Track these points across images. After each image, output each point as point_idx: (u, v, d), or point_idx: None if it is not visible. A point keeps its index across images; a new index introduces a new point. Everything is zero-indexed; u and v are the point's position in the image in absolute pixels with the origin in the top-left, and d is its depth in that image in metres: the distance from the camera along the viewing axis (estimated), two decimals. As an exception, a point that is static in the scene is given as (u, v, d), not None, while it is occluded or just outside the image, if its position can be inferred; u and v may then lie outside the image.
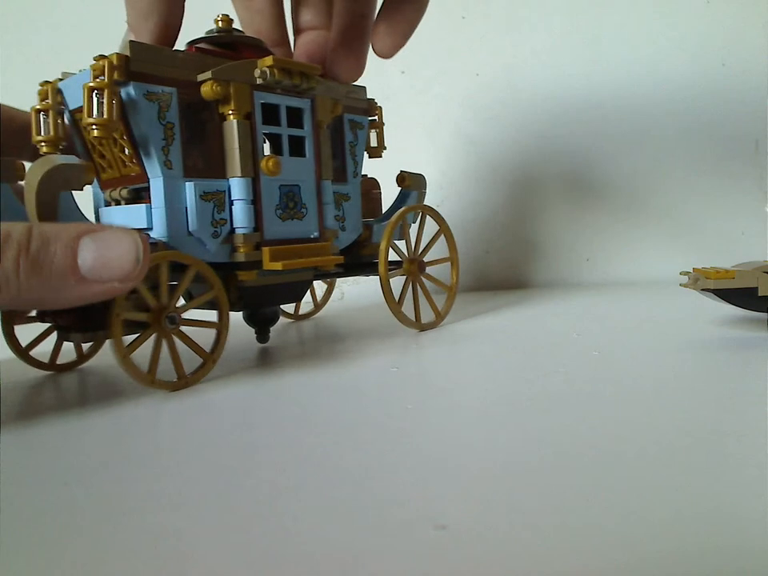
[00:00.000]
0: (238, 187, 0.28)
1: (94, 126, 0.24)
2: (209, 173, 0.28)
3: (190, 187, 0.27)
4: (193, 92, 0.27)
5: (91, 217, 0.29)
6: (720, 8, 0.55)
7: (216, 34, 0.30)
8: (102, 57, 0.24)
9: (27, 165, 0.26)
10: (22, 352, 0.30)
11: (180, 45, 0.29)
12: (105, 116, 0.24)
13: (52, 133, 0.27)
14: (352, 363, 0.29)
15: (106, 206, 0.29)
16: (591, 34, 0.56)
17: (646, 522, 0.12)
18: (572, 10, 0.56)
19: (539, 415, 0.20)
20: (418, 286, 0.37)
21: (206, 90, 0.27)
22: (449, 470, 0.16)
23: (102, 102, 0.24)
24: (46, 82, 0.27)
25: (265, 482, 0.16)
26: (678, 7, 0.55)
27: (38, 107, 0.27)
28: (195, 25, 0.32)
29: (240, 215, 0.28)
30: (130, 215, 0.27)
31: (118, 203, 0.28)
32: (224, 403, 0.24)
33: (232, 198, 0.29)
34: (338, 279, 0.46)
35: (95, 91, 0.23)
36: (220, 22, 0.31)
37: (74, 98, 0.27)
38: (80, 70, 0.28)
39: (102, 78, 0.24)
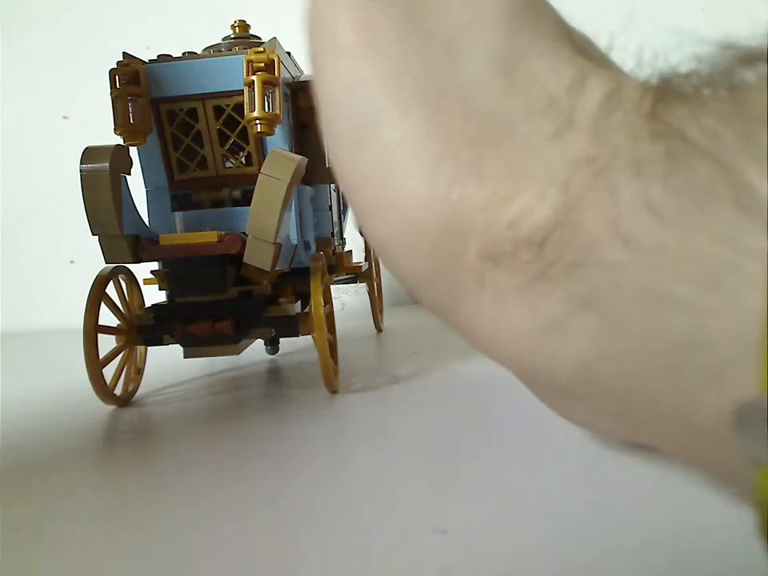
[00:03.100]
0: (326, 194, 0.29)
1: (258, 121, 0.22)
2: (304, 179, 0.27)
3: (304, 192, 0.27)
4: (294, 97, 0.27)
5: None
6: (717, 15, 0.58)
7: (234, 40, 0.30)
8: (258, 51, 0.23)
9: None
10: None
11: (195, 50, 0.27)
12: (275, 111, 0.22)
13: (146, 121, 0.23)
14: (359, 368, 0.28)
15: (180, 209, 0.26)
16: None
17: (644, 522, 0.13)
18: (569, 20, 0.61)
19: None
20: None
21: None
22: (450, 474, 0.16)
23: (268, 96, 0.22)
24: (129, 63, 0.23)
25: (270, 485, 0.16)
26: (674, 15, 0.64)
27: (126, 92, 0.23)
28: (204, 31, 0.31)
29: (328, 220, 0.29)
30: (232, 218, 0.25)
31: (215, 204, 0.25)
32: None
33: (320, 205, 0.29)
34: (334, 290, 0.45)
35: (266, 85, 0.22)
36: (237, 28, 0.30)
37: (177, 85, 0.24)
38: (161, 55, 0.25)
39: (261, 72, 0.22)
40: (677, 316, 0.08)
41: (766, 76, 0.08)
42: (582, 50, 0.12)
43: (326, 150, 0.14)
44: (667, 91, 0.10)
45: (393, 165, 0.12)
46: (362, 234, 0.14)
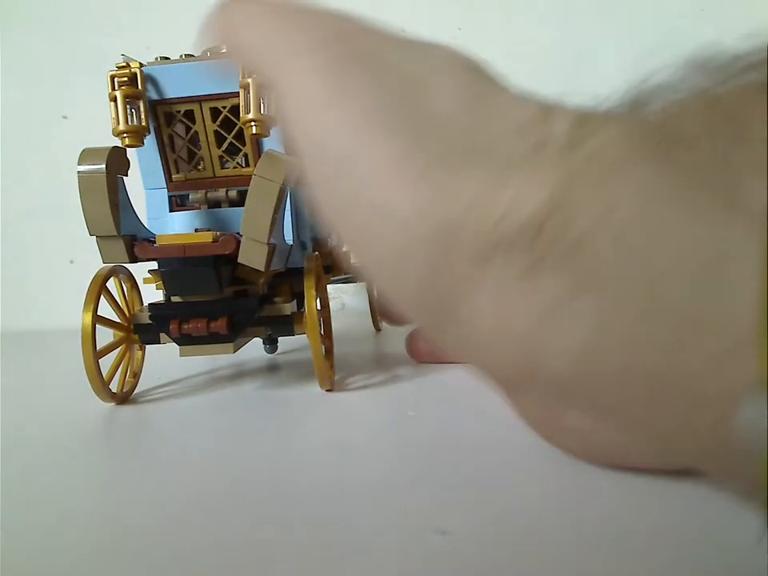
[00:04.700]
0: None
1: (253, 123, 0.22)
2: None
3: (302, 191, 0.27)
4: None
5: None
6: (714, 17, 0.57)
7: None
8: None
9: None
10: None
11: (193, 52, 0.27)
12: (270, 113, 0.23)
13: (144, 123, 0.24)
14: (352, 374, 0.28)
15: (178, 207, 0.26)
16: (588, 45, 0.56)
17: (646, 523, 0.13)
18: (569, 22, 0.59)
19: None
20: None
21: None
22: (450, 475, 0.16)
23: (263, 98, 0.23)
24: (127, 65, 0.24)
25: (265, 487, 0.16)
26: (673, 18, 0.58)
27: (124, 93, 0.23)
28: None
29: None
30: (229, 219, 0.25)
31: (213, 205, 0.26)
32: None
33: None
34: (333, 290, 0.46)
35: (261, 88, 0.22)
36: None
37: (174, 88, 0.24)
38: (158, 58, 0.25)
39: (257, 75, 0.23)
40: (680, 293, 0.08)
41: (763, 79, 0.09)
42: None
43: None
44: (657, 92, 0.10)
45: (377, 187, 0.12)
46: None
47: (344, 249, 0.15)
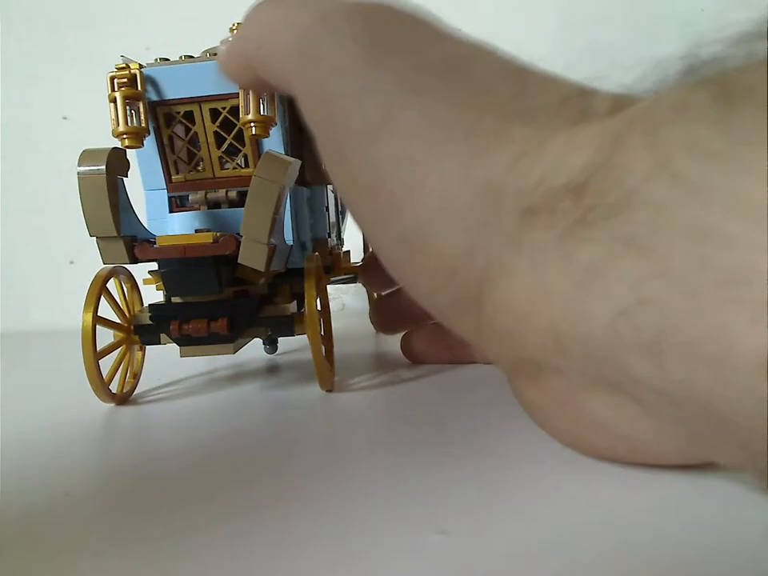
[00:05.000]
0: (323, 195, 0.29)
1: (253, 124, 0.22)
2: (301, 180, 0.28)
3: (301, 193, 0.27)
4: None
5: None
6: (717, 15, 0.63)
7: None
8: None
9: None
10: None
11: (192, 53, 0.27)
12: (269, 114, 0.23)
13: (144, 124, 0.24)
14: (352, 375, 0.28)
15: (177, 208, 0.26)
16: (589, 45, 0.55)
17: (647, 523, 0.13)
18: (569, 20, 0.59)
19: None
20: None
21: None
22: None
23: (263, 99, 0.23)
24: (127, 66, 0.24)
25: (264, 487, 0.16)
26: (674, 18, 0.62)
27: (123, 94, 0.23)
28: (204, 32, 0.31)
29: (325, 221, 0.29)
30: (229, 219, 0.25)
31: (213, 206, 0.26)
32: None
33: (317, 206, 0.29)
34: (333, 290, 0.46)
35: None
36: (236, 31, 0.30)
37: (174, 89, 0.24)
38: (158, 59, 0.25)
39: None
40: (726, 251, 0.08)
41: None
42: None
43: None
44: (698, 67, 0.10)
45: (422, 145, 0.12)
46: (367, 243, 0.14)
47: (361, 228, 0.14)
